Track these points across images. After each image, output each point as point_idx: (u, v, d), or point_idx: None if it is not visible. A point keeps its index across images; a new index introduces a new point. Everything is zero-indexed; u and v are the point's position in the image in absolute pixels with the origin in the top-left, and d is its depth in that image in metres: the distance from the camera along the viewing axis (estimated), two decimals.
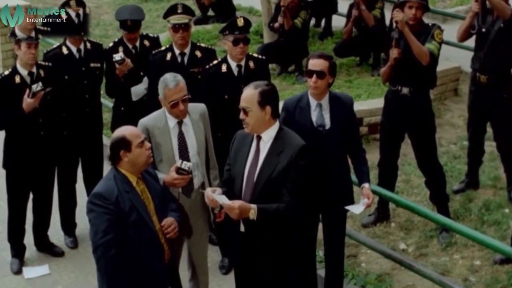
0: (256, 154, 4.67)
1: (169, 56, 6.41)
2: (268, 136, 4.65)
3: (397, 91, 6.47)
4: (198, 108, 5.37)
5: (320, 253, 6.28)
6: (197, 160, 5.28)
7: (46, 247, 6.76)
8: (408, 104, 6.30)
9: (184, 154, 5.20)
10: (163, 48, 6.59)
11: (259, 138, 4.68)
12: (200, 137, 5.31)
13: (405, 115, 6.37)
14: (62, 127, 6.60)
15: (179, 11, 6.34)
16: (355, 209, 5.33)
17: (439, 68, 6.87)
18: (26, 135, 6.26)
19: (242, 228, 4.70)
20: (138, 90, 6.73)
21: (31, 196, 6.60)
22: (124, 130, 4.57)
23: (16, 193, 6.46)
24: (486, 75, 6.81)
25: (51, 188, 6.64)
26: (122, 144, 4.48)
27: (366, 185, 5.30)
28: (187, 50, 6.40)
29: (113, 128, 6.92)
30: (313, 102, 5.26)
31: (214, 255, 6.45)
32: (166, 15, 6.40)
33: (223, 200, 4.52)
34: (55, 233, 6.92)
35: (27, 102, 6.04)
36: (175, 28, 6.31)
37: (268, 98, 4.61)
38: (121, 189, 4.46)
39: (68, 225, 6.92)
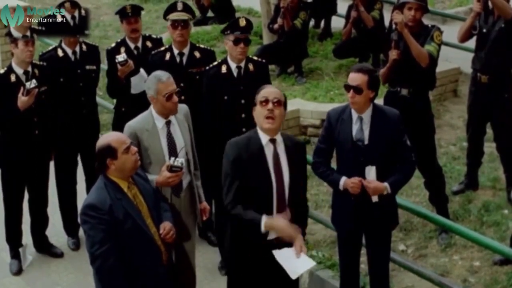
0: (276, 158, 4.62)
1: (168, 56, 6.42)
2: (280, 138, 4.69)
3: (396, 92, 6.48)
4: (182, 109, 5.36)
5: (319, 253, 6.28)
6: (185, 159, 5.27)
7: (45, 248, 6.76)
8: (407, 105, 6.29)
9: (173, 154, 5.19)
10: (162, 48, 6.59)
11: (273, 141, 4.64)
12: (187, 136, 5.33)
13: (404, 116, 6.36)
14: (57, 127, 6.62)
15: (178, 8, 6.35)
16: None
17: (439, 69, 6.86)
18: (21, 134, 6.27)
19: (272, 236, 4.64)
20: (138, 84, 6.67)
21: (27, 197, 6.60)
22: (109, 138, 4.50)
23: (10, 192, 6.48)
24: (487, 75, 6.81)
25: (45, 187, 6.64)
26: (108, 152, 4.41)
27: (384, 183, 4.99)
28: (186, 50, 6.41)
29: (114, 129, 6.92)
30: (354, 115, 5.06)
31: (214, 256, 6.46)
32: (166, 14, 6.41)
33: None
34: (54, 234, 6.93)
35: (22, 100, 6.06)
36: (174, 25, 6.32)
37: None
38: (113, 197, 4.40)
39: (71, 227, 6.93)
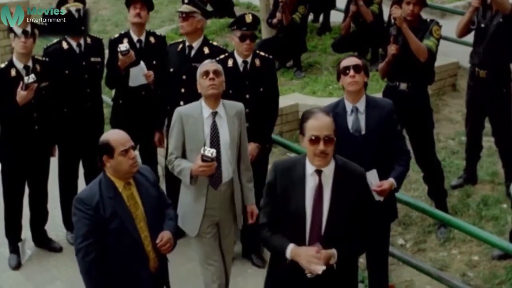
0: (319, 191, 4.15)
1: (179, 47, 6.45)
2: (330, 169, 4.18)
3: (395, 87, 6.49)
4: (235, 106, 5.36)
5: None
6: (228, 154, 5.25)
7: (44, 243, 6.77)
8: (406, 100, 6.30)
9: (215, 145, 5.16)
10: (179, 40, 6.68)
11: (319, 172, 4.16)
12: (233, 132, 5.27)
13: (403, 110, 6.34)
14: (61, 120, 6.62)
15: (185, 1, 6.37)
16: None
17: (437, 63, 6.87)
18: (21, 129, 6.26)
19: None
20: (137, 77, 6.66)
21: (27, 191, 6.60)
22: (110, 135, 4.47)
23: (11, 187, 6.48)
24: (485, 70, 6.81)
25: (45, 182, 6.63)
26: (105, 149, 4.39)
27: (390, 179, 4.94)
28: (195, 44, 6.39)
29: (112, 122, 6.93)
30: (349, 106, 5.03)
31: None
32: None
33: None
34: (53, 229, 6.92)
35: (21, 94, 6.05)
36: (179, 16, 6.35)
37: None
38: (104, 195, 4.37)
39: (70, 221, 6.89)
